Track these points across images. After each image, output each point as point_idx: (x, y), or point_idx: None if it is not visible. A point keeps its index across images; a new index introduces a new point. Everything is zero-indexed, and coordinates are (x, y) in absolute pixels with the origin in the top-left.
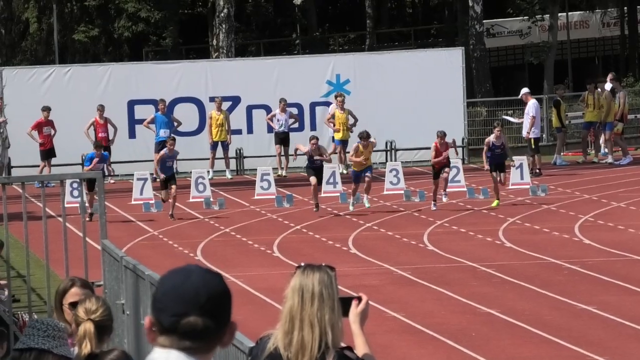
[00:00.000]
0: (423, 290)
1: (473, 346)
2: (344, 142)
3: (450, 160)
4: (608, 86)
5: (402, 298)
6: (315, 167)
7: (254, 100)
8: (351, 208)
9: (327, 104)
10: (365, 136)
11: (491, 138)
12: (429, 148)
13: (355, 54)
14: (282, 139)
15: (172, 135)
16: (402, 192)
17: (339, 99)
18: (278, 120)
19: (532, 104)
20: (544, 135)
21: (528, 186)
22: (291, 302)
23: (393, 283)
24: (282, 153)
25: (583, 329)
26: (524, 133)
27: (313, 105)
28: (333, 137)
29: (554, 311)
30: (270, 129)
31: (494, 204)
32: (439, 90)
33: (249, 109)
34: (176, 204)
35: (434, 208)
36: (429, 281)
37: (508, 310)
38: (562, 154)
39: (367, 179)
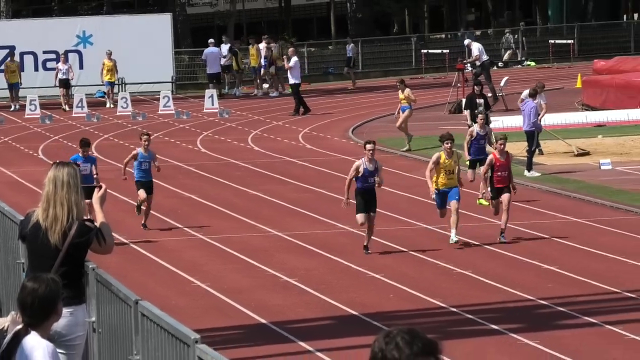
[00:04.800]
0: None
1: (181, 220)
2: (112, 84)
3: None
4: (273, 44)
5: (129, 186)
6: (365, 189)
7: (25, 48)
8: (454, 238)
9: (77, 52)
10: (448, 137)
11: (475, 127)
12: (151, 83)
13: (96, 17)
14: (64, 83)
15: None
16: (130, 113)
17: (107, 51)
18: (61, 70)
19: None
20: (227, 75)
21: (217, 110)
22: (47, 188)
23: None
24: (65, 94)
25: (256, 208)
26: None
27: (67, 52)
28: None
29: (237, 197)
30: (36, 68)
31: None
32: (155, 43)
33: (22, 54)
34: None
35: (504, 240)
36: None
37: (203, 195)
38: (240, 87)
39: (454, 206)
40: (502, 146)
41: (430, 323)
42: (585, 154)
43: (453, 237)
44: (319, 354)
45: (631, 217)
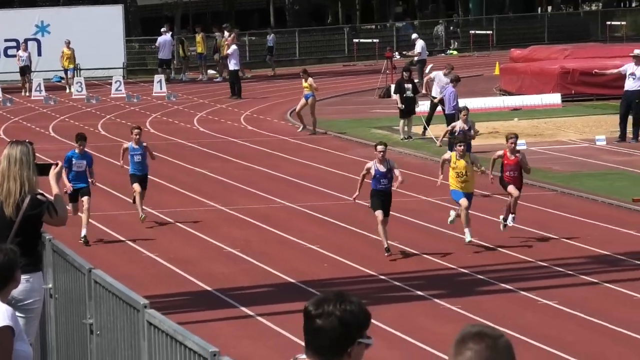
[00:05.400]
0: (99, 160)
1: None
2: (70, 70)
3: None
4: (217, 33)
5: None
6: (380, 190)
7: None
8: (469, 238)
9: (36, 40)
10: (462, 139)
11: (458, 123)
12: (104, 68)
13: (53, 8)
14: (24, 69)
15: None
16: (84, 96)
17: (65, 41)
18: (21, 57)
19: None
20: (174, 61)
21: (165, 93)
22: (2, 164)
23: None
24: (26, 81)
25: (201, 184)
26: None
27: (27, 40)
28: (65, 70)
29: (183, 174)
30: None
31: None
32: (108, 31)
33: None
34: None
35: (504, 229)
36: (104, 154)
37: (152, 172)
38: (186, 73)
39: (463, 204)
40: (513, 145)
41: (362, 290)
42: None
43: (468, 236)
44: (259, 318)
45: (544, 193)
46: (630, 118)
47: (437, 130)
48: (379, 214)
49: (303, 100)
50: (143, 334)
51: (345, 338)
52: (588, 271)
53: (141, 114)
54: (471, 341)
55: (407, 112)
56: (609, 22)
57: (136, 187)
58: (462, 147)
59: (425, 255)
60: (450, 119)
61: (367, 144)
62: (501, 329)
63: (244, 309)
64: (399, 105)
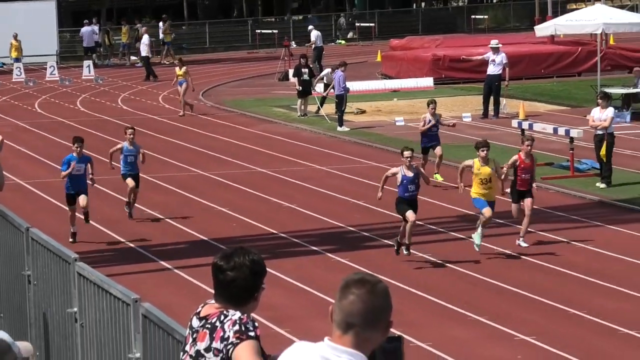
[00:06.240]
0: (36, 135)
1: None
2: (17, 59)
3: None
4: (139, 25)
5: (28, 141)
6: (407, 198)
7: None
8: (477, 241)
9: None
10: (483, 145)
11: (427, 115)
12: (40, 55)
13: None
14: None
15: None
16: (23, 80)
17: (14, 35)
18: None
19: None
20: (100, 49)
21: (93, 77)
22: None
23: (19, 131)
24: None
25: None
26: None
27: None
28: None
29: (109, 146)
30: None
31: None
32: (43, 23)
33: None
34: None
35: (525, 245)
36: (42, 130)
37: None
38: (112, 59)
39: (487, 213)
40: (529, 147)
41: (265, 245)
42: (362, 112)
43: (478, 234)
44: (176, 270)
45: (417, 162)
46: (491, 98)
47: (328, 108)
48: (409, 214)
49: (179, 87)
50: (74, 284)
51: (254, 285)
52: (456, 228)
53: (72, 95)
54: (354, 286)
55: (304, 92)
56: (473, 16)
57: (130, 181)
58: (485, 153)
59: (318, 216)
60: (339, 98)
61: (270, 120)
62: (382, 277)
63: (163, 262)
64: (297, 87)
